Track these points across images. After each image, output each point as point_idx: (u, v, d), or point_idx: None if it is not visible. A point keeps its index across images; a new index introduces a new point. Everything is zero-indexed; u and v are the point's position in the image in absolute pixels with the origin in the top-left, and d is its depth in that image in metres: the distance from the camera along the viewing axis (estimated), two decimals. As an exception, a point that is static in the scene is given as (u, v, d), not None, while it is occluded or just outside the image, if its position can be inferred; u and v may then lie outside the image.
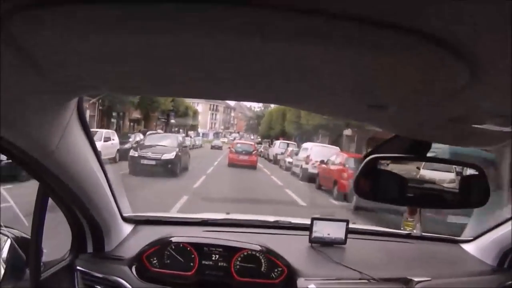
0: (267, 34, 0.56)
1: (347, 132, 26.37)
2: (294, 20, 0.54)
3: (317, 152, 17.08)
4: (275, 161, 26.43)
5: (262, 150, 35.93)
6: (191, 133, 53.17)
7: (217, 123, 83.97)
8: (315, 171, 15.94)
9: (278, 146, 28.27)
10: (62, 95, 1.03)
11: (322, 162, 14.89)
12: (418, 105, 0.89)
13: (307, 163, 17.39)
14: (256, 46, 0.60)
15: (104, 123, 26.57)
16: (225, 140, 59.29)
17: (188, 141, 26.46)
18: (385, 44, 0.58)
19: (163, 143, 16.23)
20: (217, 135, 75.88)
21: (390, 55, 0.61)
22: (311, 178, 15.91)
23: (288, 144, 27.54)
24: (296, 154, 20.48)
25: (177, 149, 15.81)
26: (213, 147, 43.19)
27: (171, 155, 15.07)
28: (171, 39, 0.60)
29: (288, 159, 22.04)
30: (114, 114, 29.21)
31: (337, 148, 19.61)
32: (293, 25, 0.55)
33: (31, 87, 0.86)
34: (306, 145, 20.24)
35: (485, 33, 0.55)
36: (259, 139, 56.61)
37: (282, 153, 25.28)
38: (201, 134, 70.06)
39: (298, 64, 0.67)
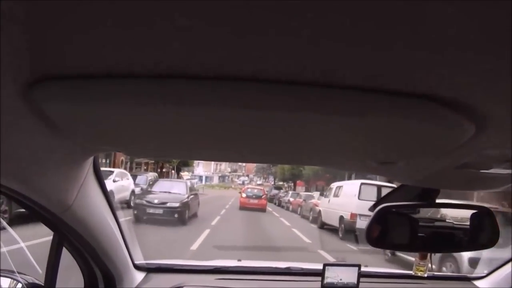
0: (273, 106, 0.60)
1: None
2: (306, 93, 0.58)
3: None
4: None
5: (281, 195, 30.67)
6: (185, 174, 45.32)
7: (223, 164, 73.30)
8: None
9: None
10: (79, 154, 1.06)
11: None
12: (425, 159, 0.92)
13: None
14: (272, 117, 0.64)
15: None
16: (232, 185, 54.63)
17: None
18: (390, 109, 0.61)
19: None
20: (223, 178, 69.91)
21: (397, 119, 0.63)
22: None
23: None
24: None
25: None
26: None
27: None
28: (184, 112, 0.64)
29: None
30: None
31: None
32: (299, 97, 0.59)
33: (48, 148, 0.88)
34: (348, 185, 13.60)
35: (486, 85, 0.56)
36: (276, 182, 51.37)
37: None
38: (204, 178, 62.63)
39: (306, 132, 0.71)
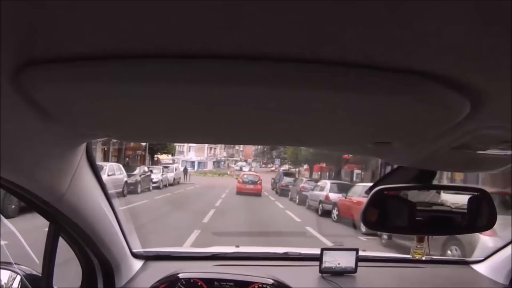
0: (275, 83, 0.59)
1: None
2: (302, 69, 0.57)
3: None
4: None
5: (307, 187, 19.48)
6: (164, 158, 38.39)
7: (217, 148, 66.48)
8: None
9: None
10: (72, 141, 1.05)
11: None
12: (422, 139, 0.91)
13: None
14: (267, 95, 0.63)
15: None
16: (228, 172, 50.67)
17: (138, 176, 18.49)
18: (387, 86, 0.60)
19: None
20: (218, 164, 63.97)
21: (393, 96, 0.63)
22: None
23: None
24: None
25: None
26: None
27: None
28: (181, 91, 0.62)
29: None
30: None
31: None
32: (300, 75, 0.58)
33: (40, 134, 0.88)
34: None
35: (481, 63, 0.56)
36: (284, 167, 43.72)
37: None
38: (196, 164, 58.19)
39: (306, 110, 0.70)
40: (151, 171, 22.44)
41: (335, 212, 14.00)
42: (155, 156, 36.06)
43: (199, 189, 25.57)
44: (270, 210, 17.20)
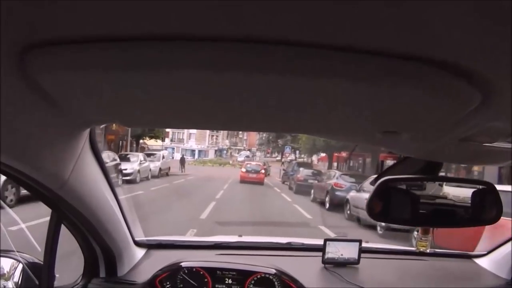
0: (271, 68, 0.58)
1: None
2: (309, 55, 0.55)
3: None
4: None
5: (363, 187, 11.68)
6: (154, 145, 33.34)
7: (220, 136, 62.54)
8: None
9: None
10: (74, 127, 1.04)
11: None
12: (430, 130, 0.90)
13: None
14: (272, 81, 0.61)
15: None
16: (230, 161, 48.07)
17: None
18: (397, 74, 0.59)
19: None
20: (220, 153, 59.86)
21: (404, 84, 0.61)
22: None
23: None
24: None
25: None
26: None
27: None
28: (184, 76, 0.61)
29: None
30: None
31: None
32: (308, 61, 0.56)
33: (43, 120, 0.87)
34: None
35: (495, 55, 0.55)
36: (291, 156, 39.30)
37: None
38: (196, 152, 55.33)
39: (314, 97, 0.68)
40: (123, 158, 17.91)
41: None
42: (141, 142, 31.28)
43: (191, 183, 21.00)
44: (290, 216, 12.44)
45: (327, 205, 14.33)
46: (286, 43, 0.54)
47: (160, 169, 22.58)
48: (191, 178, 23.95)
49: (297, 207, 14.28)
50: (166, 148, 35.28)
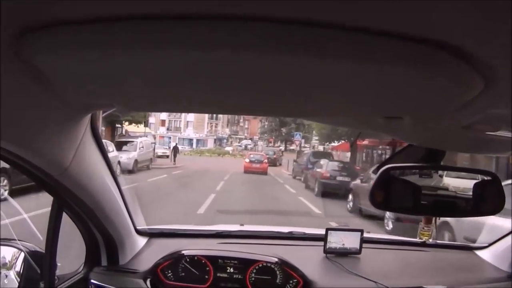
0: (271, 47, 0.56)
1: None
2: (311, 34, 0.54)
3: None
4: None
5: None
6: (138, 132, 28.40)
7: (219, 124, 58.23)
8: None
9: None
10: (74, 112, 1.03)
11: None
12: (432, 115, 0.89)
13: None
14: (272, 61, 0.60)
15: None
16: (230, 149, 46.46)
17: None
18: (400, 56, 0.57)
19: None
20: (220, 142, 55.14)
21: (407, 67, 0.60)
22: None
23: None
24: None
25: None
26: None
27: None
28: (183, 56, 0.60)
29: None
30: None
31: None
32: (310, 40, 0.55)
33: (42, 105, 0.86)
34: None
35: (499, 40, 0.54)
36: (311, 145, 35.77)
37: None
38: (194, 141, 52.42)
39: (315, 79, 0.67)
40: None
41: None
42: (118, 127, 26.35)
43: (174, 180, 16.49)
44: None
45: (389, 228, 8.85)
46: (286, 21, 0.53)
47: (136, 162, 18.22)
48: (177, 173, 19.10)
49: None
50: (146, 135, 27.88)
